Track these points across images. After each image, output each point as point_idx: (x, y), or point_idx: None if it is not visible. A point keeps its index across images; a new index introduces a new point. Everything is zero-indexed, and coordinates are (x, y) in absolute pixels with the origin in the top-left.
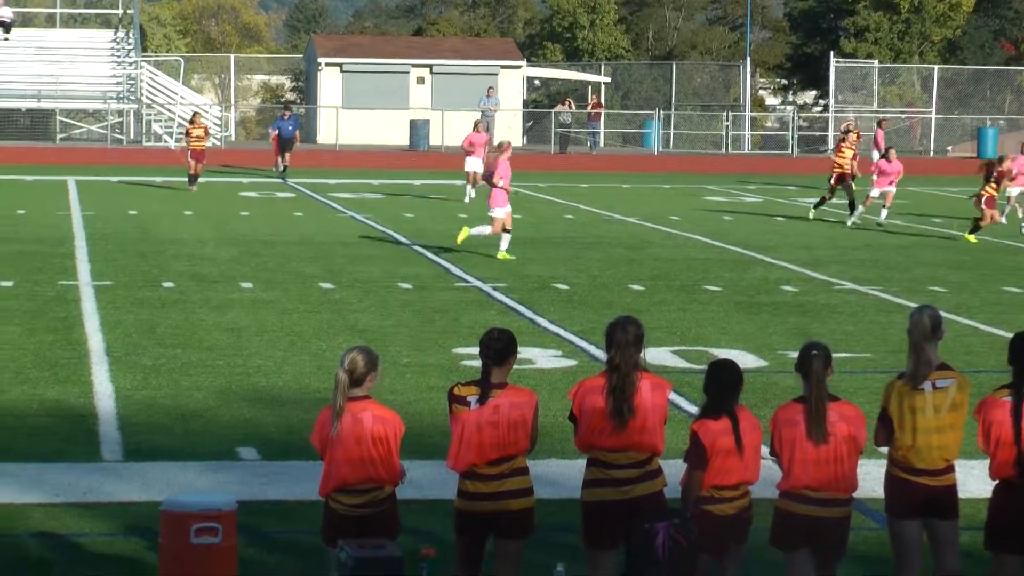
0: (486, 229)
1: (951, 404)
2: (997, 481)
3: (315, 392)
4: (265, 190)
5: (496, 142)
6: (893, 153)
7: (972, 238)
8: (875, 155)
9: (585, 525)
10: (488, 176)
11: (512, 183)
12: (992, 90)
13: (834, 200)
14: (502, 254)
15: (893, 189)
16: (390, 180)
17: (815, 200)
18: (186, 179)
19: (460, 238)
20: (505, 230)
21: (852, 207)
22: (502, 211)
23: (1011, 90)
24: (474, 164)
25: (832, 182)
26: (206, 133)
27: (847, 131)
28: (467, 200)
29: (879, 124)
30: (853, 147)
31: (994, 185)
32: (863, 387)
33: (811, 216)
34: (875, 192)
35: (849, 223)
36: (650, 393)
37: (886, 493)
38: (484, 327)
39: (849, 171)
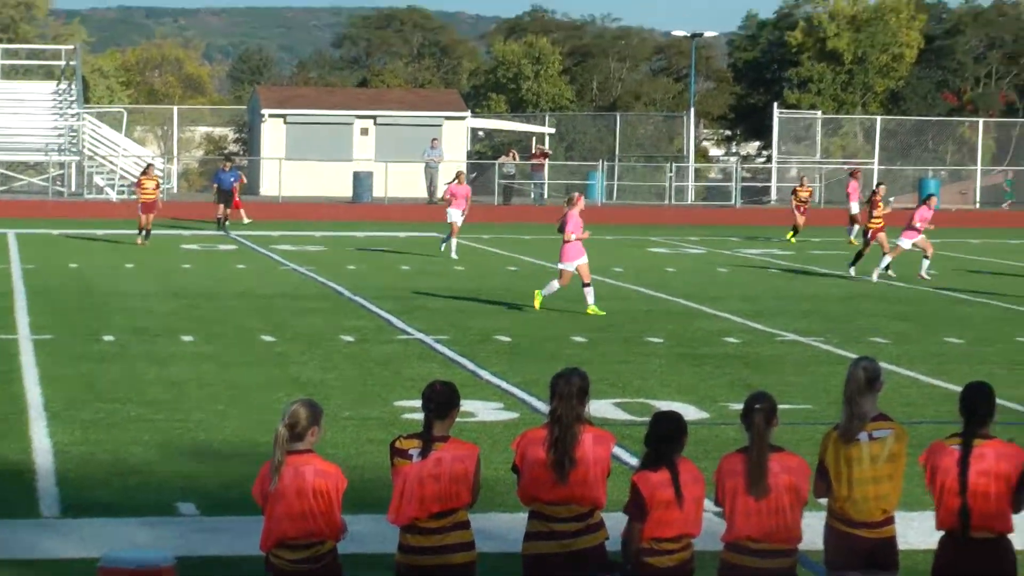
0: (555, 284)
1: (888, 455)
2: (942, 533)
3: (256, 446)
4: (207, 243)
5: (569, 197)
6: (934, 201)
7: None
8: (854, 206)
9: None
10: (561, 229)
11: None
12: (934, 141)
13: (784, 251)
14: (591, 308)
15: (922, 237)
16: (333, 232)
17: (881, 267)
18: (136, 231)
19: (536, 303)
20: (585, 284)
21: (858, 258)
22: (571, 265)
23: (953, 141)
24: (455, 215)
25: (869, 237)
26: (158, 186)
27: (878, 185)
28: (443, 248)
29: (852, 175)
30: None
31: None
32: (805, 438)
33: (875, 279)
34: (906, 243)
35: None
36: (592, 446)
37: (825, 545)
38: (426, 379)
39: (882, 227)
